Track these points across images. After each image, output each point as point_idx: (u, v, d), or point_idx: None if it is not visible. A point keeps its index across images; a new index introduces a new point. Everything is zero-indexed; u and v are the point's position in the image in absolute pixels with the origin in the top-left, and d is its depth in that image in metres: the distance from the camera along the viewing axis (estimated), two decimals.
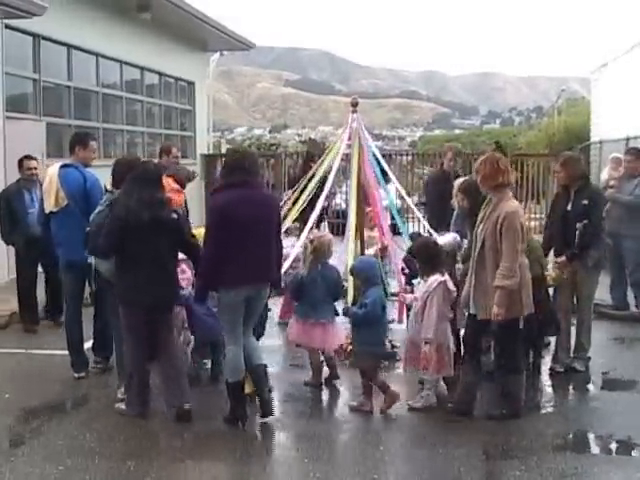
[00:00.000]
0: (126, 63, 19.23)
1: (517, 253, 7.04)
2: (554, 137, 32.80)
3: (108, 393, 8.01)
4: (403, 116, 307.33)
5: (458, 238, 8.76)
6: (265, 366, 7.45)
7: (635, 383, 8.56)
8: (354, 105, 9.62)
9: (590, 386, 8.51)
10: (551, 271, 8.64)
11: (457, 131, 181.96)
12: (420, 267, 8.08)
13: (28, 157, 10.95)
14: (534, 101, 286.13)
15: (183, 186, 9.81)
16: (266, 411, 7.23)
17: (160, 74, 21.64)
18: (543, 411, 7.72)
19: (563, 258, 8.60)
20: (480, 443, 6.79)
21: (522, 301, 7.16)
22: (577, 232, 8.50)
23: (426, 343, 7.60)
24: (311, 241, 8.48)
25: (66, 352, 8.69)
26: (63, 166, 8.66)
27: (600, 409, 7.73)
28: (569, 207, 8.68)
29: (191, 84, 23.94)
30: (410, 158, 24.54)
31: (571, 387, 8.43)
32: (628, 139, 17.48)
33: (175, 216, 7.36)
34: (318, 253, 8.31)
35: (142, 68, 20.31)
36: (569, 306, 8.88)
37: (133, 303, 7.26)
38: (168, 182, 9.33)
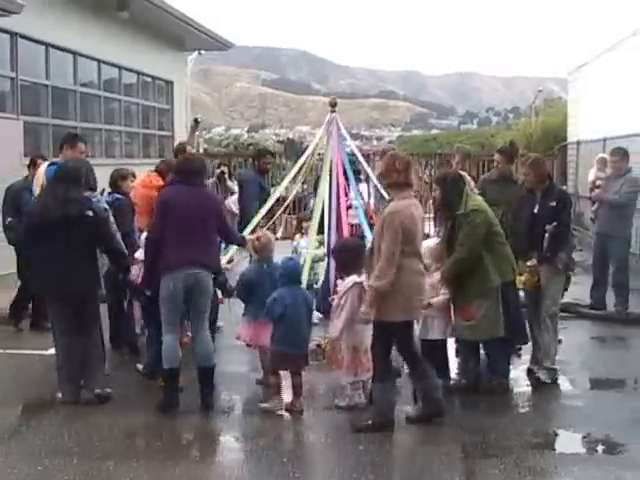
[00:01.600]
0: (104, 62, 19.15)
1: (393, 254, 6.79)
2: (532, 137, 32.96)
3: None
4: (381, 116, 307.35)
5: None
6: (213, 368, 7.65)
7: (614, 382, 8.65)
8: (333, 105, 9.63)
9: (569, 385, 8.56)
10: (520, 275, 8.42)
11: (435, 131, 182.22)
12: (338, 267, 8.26)
13: (41, 157, 11.14)
14: (511, 101, 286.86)
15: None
16: (205, 404, 7.54)
17: (138, 73, 21.56)
18: (522, 410, 7.77)
19: (534, 262, 8.39)
20: (459, 442, 6.81)
21: (399, 306, 6.92)
22: (546, 235, 8.33)
23: (334, 341, 7.72)
24: (252, 241, 8.56)
25: (44, 352, 8.69)
26: (50, 164, 9.13)
27: (579, 408, 7.78)
28: (536, 210, 8.52)
29: (169, 83, 23.86)
30: None
31: (549, 386, 8.41)
32: (606, 139, 17.57)
33: (90, 213, 7.68)
34: (262, 253, 8.38)
35: (120, 67, 20.23)
36: (533, 312, 8.61)
37: (48, 294, 7.87)
38: (151, 179, 10.23)
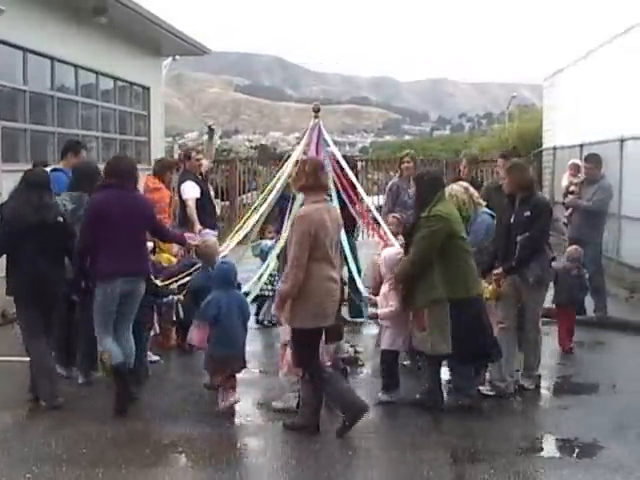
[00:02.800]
0: (81, 67, 19.04)
1: (298, 259, 6.72)
2: (507, 143, 33.10)
3: (73, 399, 7.92)
4: (354, 122, 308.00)
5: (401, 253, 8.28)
6: (129, 368, 7.76)
7: (597, 386, 8.70)
8: (316, 111, 9.60)
9: (552, 390, 8.63)
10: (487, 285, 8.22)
11: (407, 137, 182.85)
12: None
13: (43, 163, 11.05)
14: (484, 107, 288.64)
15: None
16: (118, 408, 7.55)
17: (115, 79, 21.47)
18: (508, 415, 7.78)
19: (499, 270, 8.20)
20: (447, 446, 6.82)
21: (308, 312, 6.84)
22: (518, 245, 8.12)
23: (285, 345, 7.71)
24: (196, 246, 8.73)
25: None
26: (53, 170, 9.27)
27: (564, 412, 7.83)
28: (512, 219, 8.30)
29: (146, 89, 23.77)
30: (364, 164, 25.14)
31: (532, 391, 8.45)
32: (582, 145, 17.71)
33: (60, 219, 7.81)
34: (204, 258, 8.53)
35: (97, 72, 20.13)
36: (510, 322, 8.29)
37: (21, 298, 7.81)
38: (148, 183, 10.83)
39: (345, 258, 9.51)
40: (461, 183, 9.22)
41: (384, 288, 8.08)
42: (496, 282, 8.20)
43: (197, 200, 11.12)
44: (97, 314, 7.68)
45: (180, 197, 11.23)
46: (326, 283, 6.92)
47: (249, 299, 8.46)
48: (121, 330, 7.82)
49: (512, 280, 8.22)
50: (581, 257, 10.36)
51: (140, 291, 7.87)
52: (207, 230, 10.28)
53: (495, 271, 8.23)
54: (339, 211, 7.75)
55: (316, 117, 9.58)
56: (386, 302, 8.00)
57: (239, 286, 8.51)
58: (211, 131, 12.75)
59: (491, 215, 8.88)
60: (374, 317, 8.22)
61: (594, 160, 12.02)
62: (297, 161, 9.31)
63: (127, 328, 7.88)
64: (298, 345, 7.06)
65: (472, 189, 9.04)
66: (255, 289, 9.43)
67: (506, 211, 8.44)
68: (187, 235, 9.13)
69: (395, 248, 8.52)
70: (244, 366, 7.77)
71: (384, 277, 8.16)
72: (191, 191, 11.13)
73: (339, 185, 9.55)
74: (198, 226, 10.61)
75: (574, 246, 10.63)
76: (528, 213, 8.15)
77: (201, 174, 11.66)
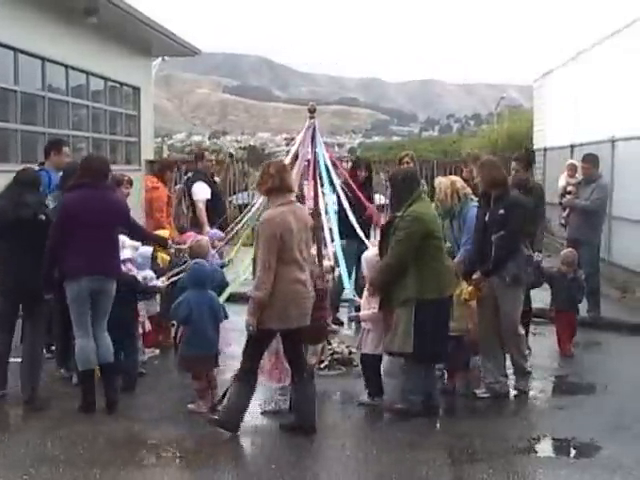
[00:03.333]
0: (72, 67, 18.95)
1: (267, 263, 6.72)
2: (497, 144, 33.15)
3: (69, 400, 7.86)
4: (342, 123, 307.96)
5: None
6: (113, 365, 7.82)
7: (593, 386, 8.75)
8: (312, 111, 9.59)
9: (547, 391, 8.66)
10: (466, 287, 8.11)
11: (396, 138, 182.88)
12: None
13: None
14: (472, 108, 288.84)
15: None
16: (109, 406, 7.65)
17: (106, 79, 21.39)
18: (504, 416, 7.80)
19: (478, 274, 8.04)
20: (445, 447, 6.86)
21: (275, 314, 6.83)
22: (493, 245, 8.01)
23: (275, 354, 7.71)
24: (189, 247, 8.78)
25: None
26: (40, 170, 9.37)
27: (560, 412, 7.85)
28: (487, 217, 8.17)
29: (136, 89, 23.69)
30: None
31: (528, 391, 8.47)
32: (573, 146, 17.76)
33: (43, 217, 7.86)
34: (198, 257, 8.49)
35: (88, 73, 20.03)
36: (492, 324, 8.15)
37: (3, 293, 7.98)
38: (147, 183, 11.25)
39: (336, 261, 9.53)
40: (451, 177, 9.22)
41: (366, 291, 8.07)
42: (475, 285, 8.09)
43: (208, 201, 11.22)
44: (71, 313, 7.73)
45: (191, 198, 11.30)
46: (293, 286, 6.90)
47: (222, 299, 8.39)
48: (95, 330, 7.76)
49: (489, 280, 8.10)
50: (576, 260, 10.32)
51: (109, 291, 7.80)
52: (215, 231, 10.26)
53: (474, 276, 8.09)
54: (306, 211, 7.75)
55: (311, 117, 9.57)
56: (368, 305, 7.97)
57: (223, 287, 8.64)
58: (231, 158, 12.99)
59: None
60: (356, 319, 8.16)
61: (591, 160, 12.06)
62: (293, 160, 9.37)
63: (101, 328, 7.81)
64: (250, 340, 7.03)
65: (461, 183, 8.87)
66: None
67: (481, 211, 8.33)
68: (177, 240, 9.17)
69: (374, 249, 8.34)
70: (216, 366, 7.83)
71: (366, 279, 8.15)
72: (201, 192, 11.26)
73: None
74: (207, 228, 10.66)
75: (569, 249, 10.62)
76: (502, 211, 8.02)
77: (212, 175, 11.77)
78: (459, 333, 8.05)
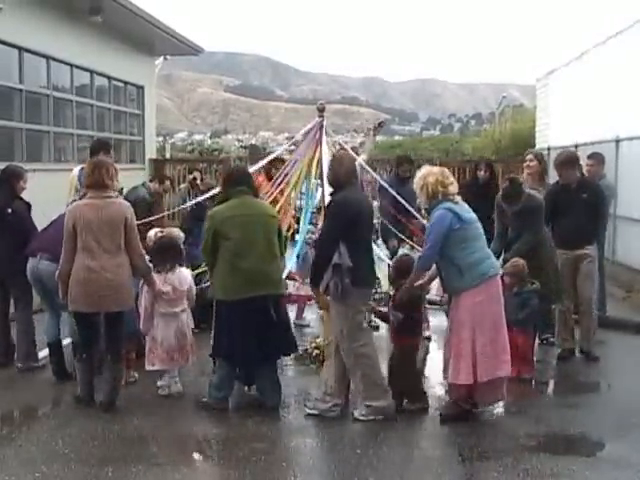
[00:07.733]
0: (77, 66, 18.99)
1: (64, 249, 7.54)
2: (500, 144, 33.14)
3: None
4: (343, 122, 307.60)
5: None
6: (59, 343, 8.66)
7: (600, 384, 8.78)
8: (321, 110, 9.58)
9: (555, 389, 8.70)
10: None
11: (397, 137, 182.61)
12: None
13: None
14: (473, 108, 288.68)
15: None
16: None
17: (110, 78, 21.43)
18: (510, 414, 7.80)
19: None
20: (454, 445, 6.85)
21: (71, 297, 7.56)
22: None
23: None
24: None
25: None
26: (83, 168, 9.36)
27: (567, 410, 7.82)
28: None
29: (140, 88, 23.75)
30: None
31: (533, 390, 8.56)
32: (577, 146, 17.75)
33: (9, 211, 8.92)
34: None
35: (92, 72, 20.08)
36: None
37: None
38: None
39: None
40: (442, 168, 7.74)
41: None
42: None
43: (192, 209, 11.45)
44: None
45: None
46: (82, 273, 7.45)
47: None
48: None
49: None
50: (524, 272, 8.86)
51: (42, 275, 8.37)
52: None
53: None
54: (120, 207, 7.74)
55: (321, 116, 9.58)
56: None
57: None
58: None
59: (451, 211, 7.28)
60: None
61: (597, 159, 12.03)
62: (312, 158, 9.51)
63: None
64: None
65: (450, 179, 7.49)
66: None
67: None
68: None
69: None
70: (137, 346, 8.53)
71: None
72: None
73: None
74: None
75: (512, 260, 8.97)
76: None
77: (195, 179, 12.22)
78: None
